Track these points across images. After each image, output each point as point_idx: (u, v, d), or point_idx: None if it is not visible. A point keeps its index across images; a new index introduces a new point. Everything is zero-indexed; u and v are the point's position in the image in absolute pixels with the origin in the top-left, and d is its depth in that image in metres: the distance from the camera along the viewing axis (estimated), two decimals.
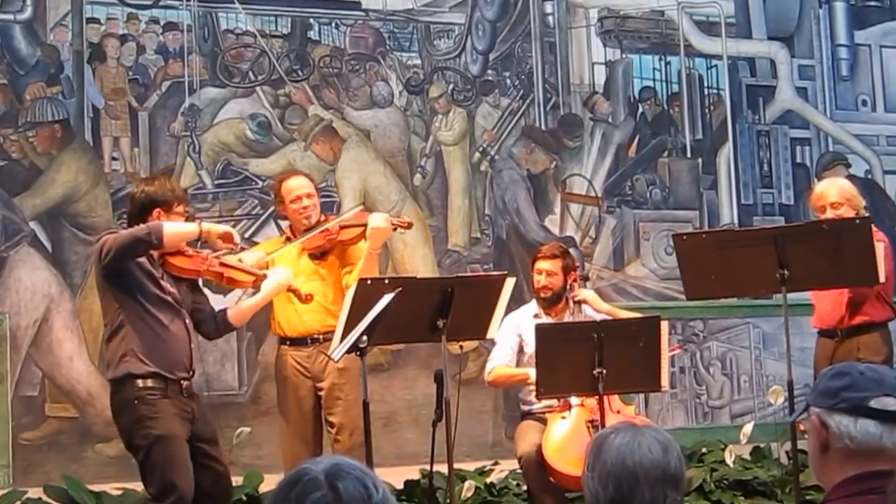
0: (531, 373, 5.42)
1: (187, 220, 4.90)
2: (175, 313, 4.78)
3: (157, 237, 4.56)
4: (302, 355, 5.36)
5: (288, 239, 5.50)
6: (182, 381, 4.75)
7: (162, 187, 4.88)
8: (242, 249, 5.28)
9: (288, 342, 5.41)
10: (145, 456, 4.66)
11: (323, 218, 5.50)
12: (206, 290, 5.21)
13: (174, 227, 4.66)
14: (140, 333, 4.67)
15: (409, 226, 5.61)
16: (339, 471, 1.78)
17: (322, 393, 5.36)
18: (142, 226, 4.62)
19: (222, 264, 4.86)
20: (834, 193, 5.65)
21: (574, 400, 5.45)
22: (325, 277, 5.39)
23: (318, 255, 5.43)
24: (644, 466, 2.22)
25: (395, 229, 5.45)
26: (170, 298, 4.76)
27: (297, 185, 5.46)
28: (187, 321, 4.84)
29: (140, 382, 4.65)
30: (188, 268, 4.80)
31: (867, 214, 5.55)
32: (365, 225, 5.32)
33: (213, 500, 4.78)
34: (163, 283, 4.75)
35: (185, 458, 4.65)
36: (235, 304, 5.29)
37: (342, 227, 5.40)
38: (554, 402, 5.49)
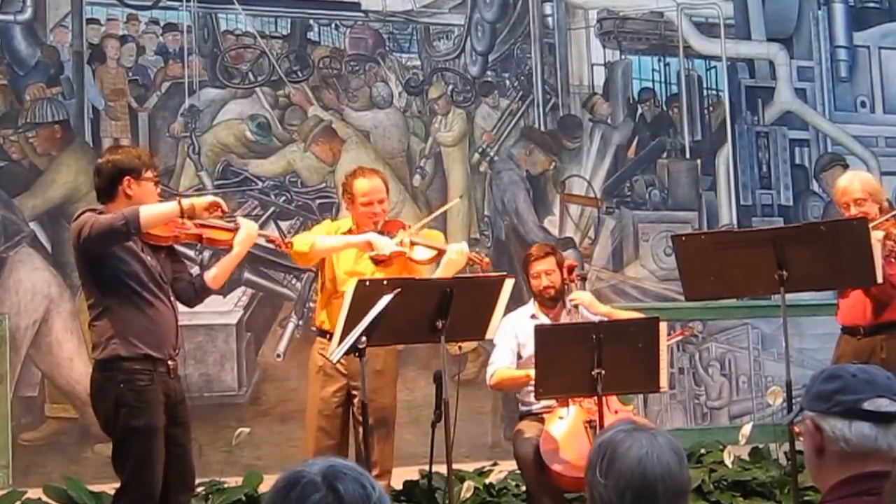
0: (532, 373, 5.44)
1: (161, 194, 4.80)
2: (159, 289, 4.66)
3: (134, 226, 4.45)
4: None
5: (350, 231, 5.44)
6: (169, 361, 4.66)
7: (128, 154, 4.78)
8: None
9: (329, 337, 5.21)
10: (120, 444, 4.61)
11: (387, 220, 5.44)
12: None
13: (151, 210, 4.54)
14: (127, 314, 4.56)
15: (488, 265, 5.56)
16: (336, 472, 1.78)
17: (357, 393, 5.25)
18: (118, 214, 4.49)
19: (198, 225, 4.73)
20: (858, 189, 5.55)
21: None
22: None
23: (378, 262, 5.38)
24: (664, 481, 2.17)
25: (471, 264, 5.39)
26: (155, 274, 4.65)
27: (371, 189, 5.37)
28: (172, 297, 4.74)
29: (128, 365, 4.55)
30: (164, 234, 4.66)
31: (894, 209, 5.51)
32: (439, 250, 5.32)
33: (176, 490, 4.72)
34: (144, 256, 4.63)
35: (159, 454, 4.59)
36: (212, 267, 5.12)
37: (413, 244, 5.34)
38: (553, 402, 5.50)
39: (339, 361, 5.10)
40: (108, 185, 4.66)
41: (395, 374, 5.57)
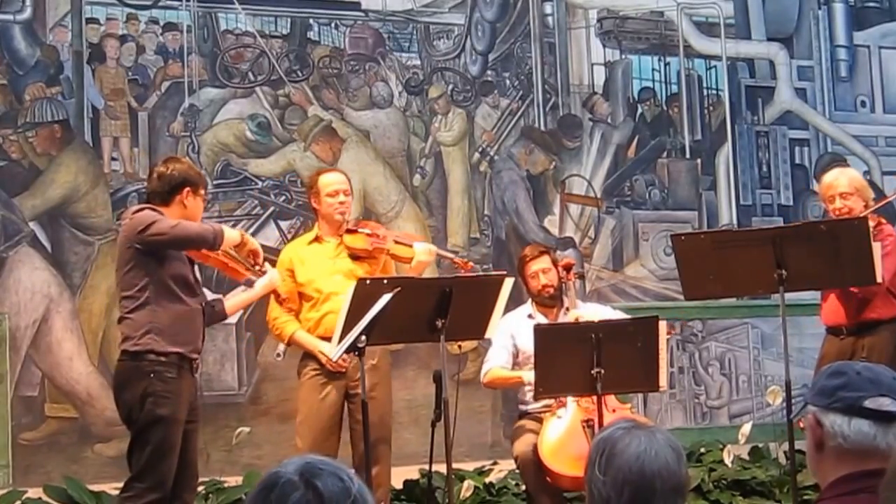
0: (525, 376, 5.45)
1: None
2: (194, 294, 4.86)
3: (218, 243, 4.74)
4: None
5: (318, 238, 5.54)
6: (194, 361, 4.83)
7: (192, 168, 5.05)
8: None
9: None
10: (141, 432, 4.70)
11: (357, 219, 5.62)
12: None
13: (229, 234, 4.84)
14: (166, 311, 4.72)
15: (470, 267, 5.71)
16: (313, 469, 1.78)
17: (354, 391, 5.31)
18: (208, 227, 4.78)
19: (227, 255, 4.95)
20: (844, 183, 5.57)
21: (570, 400, 5.47)
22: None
23: (357, 257, 5.48)
24: (662, 477, 2.19)
25: (439, 263, 5.51)
26: (191, 279, 4.84)
27: (335, 180, 5.54)
28: (203, 302, 4.94)
29: (158, 359, 4.69)
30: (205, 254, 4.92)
31: (875, 207, 5.52)
32: (412, 245, 5.47)
33: (182, 487, 4.81)
34: (187, 263, 4.87)
35: (176, 445, 4.71)
36: (230, 296, 5.33)
37: (397, 243, 5.49)
38: (552, 401, 5.50)
39: (337, 361, 5.15)
40: (168, 191, 4.85)
41: (389, 367, 5.62)
